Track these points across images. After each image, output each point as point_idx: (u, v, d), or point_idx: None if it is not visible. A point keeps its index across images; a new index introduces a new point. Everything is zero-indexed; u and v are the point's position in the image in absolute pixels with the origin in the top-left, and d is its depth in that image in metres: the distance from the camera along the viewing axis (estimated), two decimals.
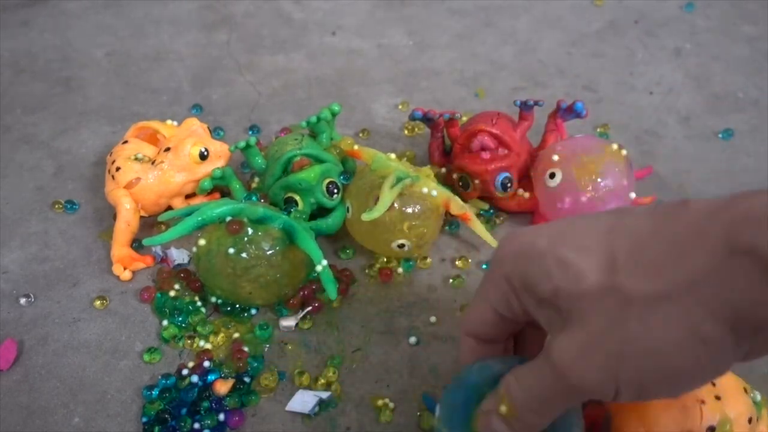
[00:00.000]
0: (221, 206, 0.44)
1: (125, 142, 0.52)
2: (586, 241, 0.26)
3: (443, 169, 0.53)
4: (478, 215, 0.50)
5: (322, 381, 0.41)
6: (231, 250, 0.42)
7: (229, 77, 0.67)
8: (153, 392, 0.41)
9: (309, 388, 0.41)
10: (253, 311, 0.45)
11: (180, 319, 0.45)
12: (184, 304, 0.45)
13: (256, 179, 0.51)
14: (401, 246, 0.46)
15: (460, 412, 0.30)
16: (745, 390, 0.34)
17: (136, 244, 0.49)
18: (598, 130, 0.60)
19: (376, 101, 0.64)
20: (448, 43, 0.71)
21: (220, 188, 0.53)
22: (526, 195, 0.51)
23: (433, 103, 0.63)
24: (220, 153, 0.50)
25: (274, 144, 0.50)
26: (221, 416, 0.39)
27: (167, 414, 0.39)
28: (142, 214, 0.50)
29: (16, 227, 0.52)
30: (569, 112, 0.51)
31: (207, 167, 0.50)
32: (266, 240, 0.43)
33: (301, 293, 0.45)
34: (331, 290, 0.44)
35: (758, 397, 0.35)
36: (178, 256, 0.49)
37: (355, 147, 0.50)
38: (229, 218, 0.43)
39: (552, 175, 0.48)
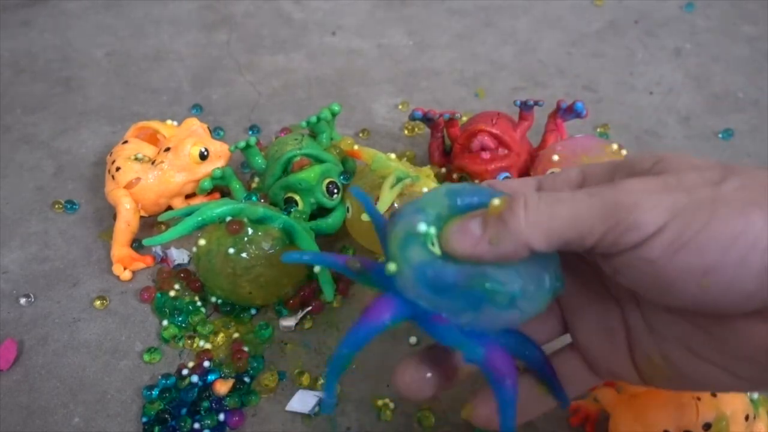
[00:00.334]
0: (221, 206, 0.44)
1: (125, 142, 0.52)
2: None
3: (443, 169, 0.53)
4: None
5: (322, 381, 0.41)
6: (231, 250, 0.42)
7: (229, 77, 0.67)
8: (153, 392, 0.41)
9: (309, 388, 0.41)
10: (253, 311, 0.45)
11: (180, 319, 0.45)
12: (184, 304, 0.45)
13: (256, 179, 0.51)
14: None
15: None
16: None
17: (136, 244, 0.49)
18: (598, 130, 0.60)
19: (376, 101, 0.64)
20: (448, 43, 0.71)
21: (220, 188, 0.53)
22: None
23: (433, 103, 0.63)
24: (220, 153, 0.50)
25: (274, 144, 0.50)
26: (221, 416, 0.39)
27: (167, 414, 0.39)
28: (142, 214, 0.50)
29: (16, 227, 0.52)
30: (569, 112, 0.51)
31: (207, 167, 0.50)
32: (266, 240, 0.43)
33: (301, 293, 0.45)
34: (328, 291, 0.44)
35: (755, 395, 0.35)
36: (178, 256, 0.49)
37: (355, 147, 0.50)
38: (229, 218, 0.43)
39: None
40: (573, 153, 0.48)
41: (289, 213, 0.46)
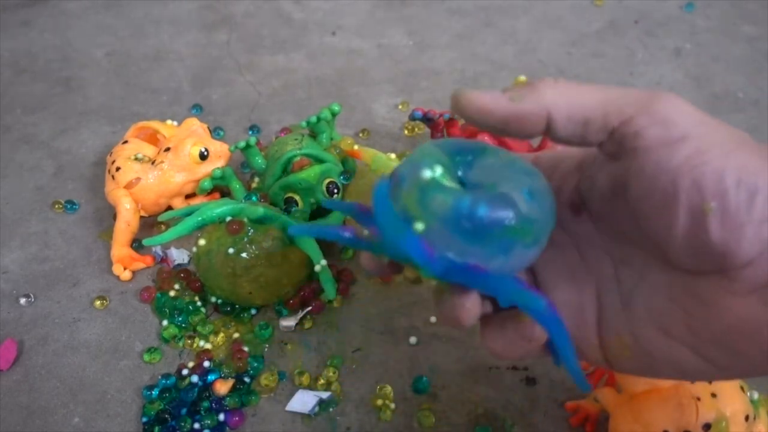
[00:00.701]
0: (221, 206, 0.44)
1: (125, 142, 0.52)
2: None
3: None
4: None
5: (322, 381, 0.41)
6: (231, 250, 0.42)
7: (229, 77, 0.67)
8: (153, 392, 0.41)
9: (309, 388, 0.41)
10: (253, 311, 0.45)
11: (180, 319, 0.45)
12: (184, 304, 0.45)
13: (256, 179, 0.51)
14: None
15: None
16: (742, 388, 0.34)
17: (136, 244, 0.49)
18: None
19: (376, 101, 0.64)
20: (448, 43, 0.71)
21: (220, 188, 0.53)
22: None
23: (433, 103, 0.63)
24: (220, 153, 0.50)
25: (274, 144, 0.50)
26: (221, 416, 0.39)
27: (167, 414, 0.39)
28: (142, 214, 0.50)
29: (16, 227, 0.52)
30: None
31: (207, 167, 0.50)
32: (266, 240, 0.43)
33: (301, 293, 0.45)
34: (330, 290, 0.44)
35: (755, 396, 0.35)
36: (178, 256, 0.49)
37: (355, 147, 0.50)
38: (229, 218, 0.43)
39: None
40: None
41: (289, 213, 0.46)
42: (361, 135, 0.60)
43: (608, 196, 0.25)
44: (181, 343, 0.44)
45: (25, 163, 0.57)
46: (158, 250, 0.49)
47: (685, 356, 0.24)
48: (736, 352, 0.23)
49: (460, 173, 0.25)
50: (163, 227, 0.50)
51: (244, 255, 0.42)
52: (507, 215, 0.23)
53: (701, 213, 0.21)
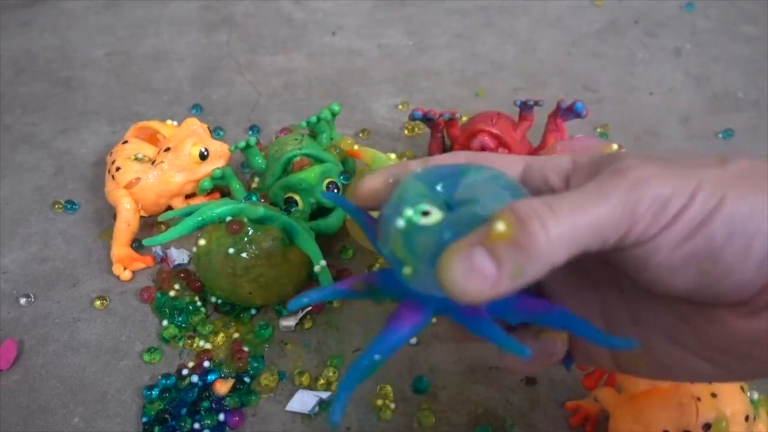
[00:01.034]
0: (221, 206, 0.44)
1: (125, 142, 0.52)
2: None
3: None
4: None
5: (322, 381, 0.41)
6: (231, 250, 0.42)
7: (229, 77, 0.67)
8: (153, 392, 0.41)
9: (309, 388, 0.41)
10: (253, 311, 0.45)
11: (180, 319, 0.45)
12: (184, 304, 0.45)
13: (256, 179, 0.51)
14: None
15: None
16: (742, 388, 0.34)
17: (136, 244, 0.49)
18: (598, 130, 0.60)
19: (376, 101, 0.64)
20: (448, 43, 0.71)
21: (220, 188, 0.53)
22: None
23: (433, 103, 0.63)
24: (220, 153, 0.50)
25: (274, 144, 0.50)
26: (221, 416, 0.39)
27: (167, 414, 0.39)
28: (142, 214, 0.50)
29: (16, 227, 0.52)
30: (569, 112, 0.51)
31: (207, 167, 0.50)
32: (266, 240, 0.43)
33: (301, 293, 0.45)
34: None
35: (755, 396, 0.35)
36: (178, 256, 0.49)
37: (355, 147, 0.50)
38: (229, 218, 0.43)
39: None
40: (573, 153, 0.48)
41: (289, 213, 0.46)
42: (361, 135, 0.60)
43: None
44: (181, 343, 0.44)
45: (25, 163, 0.57)
46: (158, 250, 0.49)
47: (698, 364, 0.24)
48: (750, 358, 0.23)
49: (444, 197, 0.24)
50: (163, 227, 0.50)
51: (244, 255, 0.42)
52: None
53: (700, 275, 0.21)
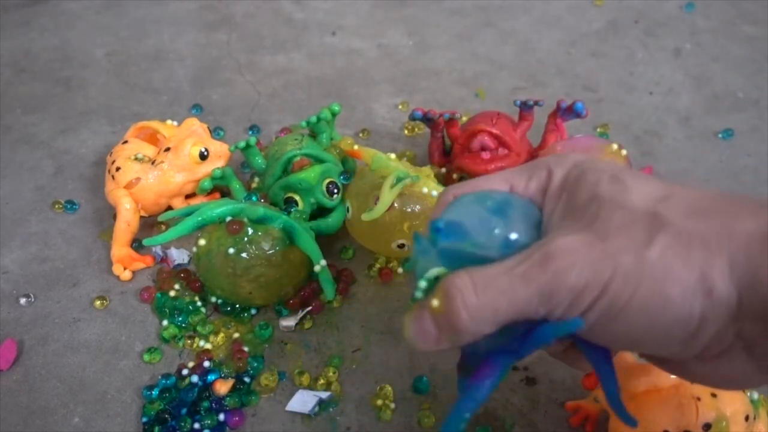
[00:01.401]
0: (221, 206, 0.44)
1: (125, 142, 0.52)
2: (645, 179, 0.26)
3: (443, 169, 0.53)
4: None
5: (322, 381, 0.41)
6: (231, 250, 0.42)
7: (229, 77, 0.67)
8: (153, 392, 0.41)
9: (309, 388, 0.41)
10: (253, 311, 0.45)
11: (180, 319, 0.45)
12: (184, 304, 0.45)
13: (256, 179, 0.51)
14: (401, 246, 0.46)
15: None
16: None
17: (136, 244, 0.49)
18: (598, 130, 0.60)
19: (376, 101, 0.64)
20: (448, 43, 0.71)
21: (220, 188, 0.53)
22: None
23: (433, 103, 0.63)
24: (220, 153, 0.50)
25: (274, 144, 0.50)
26: (221, 416, 0.39)
27: (167, 414, 0.39)
28: (142, 214, 0.50)
29: (16, 227, 0.52)
30: (569, 112, 0.51)
31: (207, 167, 0.50)
32: (266, 240, 0.43)
33: (301, 293, 0.45)
34: (329, 290, 0.44)
35: (755, 396, 0.35)
36: (178, 256, 0.49)
37: (355, 147, 0.50)
38: (229, 218, 0.43)
39: None
40: (573, 153, 0.48)
41: (289, 213, 0.46)
42: (361, 135, 0.60)
43: None
44: (181, 343, 0.44)
45: (25, 163, 0.57)
46: (158, 250, 0.49)
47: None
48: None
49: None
50: (163, 227, 0.50)
51: (244, 255, 0.42)
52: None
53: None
